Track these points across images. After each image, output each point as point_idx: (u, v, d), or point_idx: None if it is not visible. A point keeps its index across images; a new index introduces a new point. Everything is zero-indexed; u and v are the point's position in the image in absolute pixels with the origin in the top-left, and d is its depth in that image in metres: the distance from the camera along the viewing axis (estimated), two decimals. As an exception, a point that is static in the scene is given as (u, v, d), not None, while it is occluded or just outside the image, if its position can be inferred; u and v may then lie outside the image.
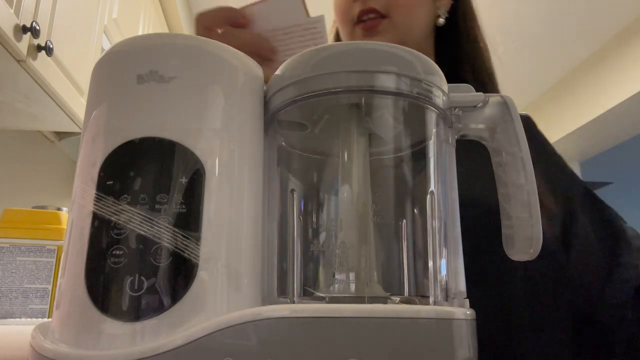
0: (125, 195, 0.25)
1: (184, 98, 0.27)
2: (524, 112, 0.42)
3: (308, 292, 0.31)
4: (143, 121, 0.27)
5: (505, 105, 0.32)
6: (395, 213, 0.33)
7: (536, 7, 2.61)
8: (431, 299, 0.29)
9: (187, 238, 0.25)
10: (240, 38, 0.43)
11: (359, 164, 0.31)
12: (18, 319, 0.79)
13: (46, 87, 1.11)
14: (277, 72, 0.31)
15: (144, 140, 0.26)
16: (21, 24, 0.96)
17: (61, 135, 1.62)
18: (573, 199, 0.53)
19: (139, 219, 0.25)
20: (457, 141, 0.33)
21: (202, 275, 0.25)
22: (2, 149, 1.43)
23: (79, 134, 1.19)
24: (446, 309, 0.27)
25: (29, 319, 0.80)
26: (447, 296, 0.29)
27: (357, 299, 0.29)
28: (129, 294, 0.24)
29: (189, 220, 0.25)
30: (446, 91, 0.31)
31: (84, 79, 1.29)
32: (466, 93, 0.32)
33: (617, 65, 2.88)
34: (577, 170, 3.72)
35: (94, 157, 0.27)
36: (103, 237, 0.25)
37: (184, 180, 0.26)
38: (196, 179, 0.26)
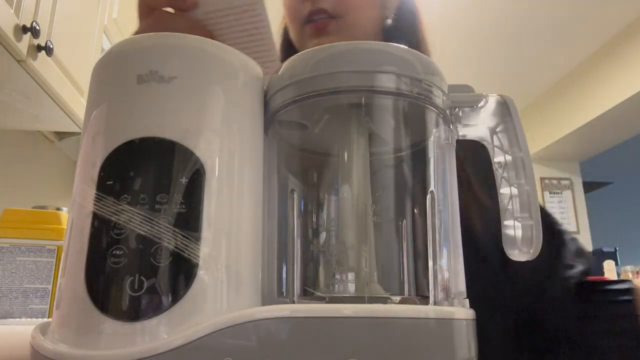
0: (125, 195, 0.25)
1: (184, 98, 0.27)
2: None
3: (308, 292, 0.31)
4: (143, 121, 0.27)
5: (505, 105, 0.32)
6: (395, 213, 0.33)
7: (536, 7, 2.61)
8: (431, 299, 0.29)
9: (187, 238, 0.25)
10: (176, 23, 0.41)
11: (359, 164, 0.31)
12: (18, 319, 0.79)
13: (46, 87, 1.11)
14: (277, 72, 0.31)
15: (144, 140, 0.26)
16: (21, 24, 0.96)
17: (61, 135, 1.62)
18: None
19: (139, 219, 0.25)
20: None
21: (202, 275, 0.25)
22: (2, 149, 1.43)
23: (79, 134, 1.19)
24: (446, 309, 0.27)
25: (29, 319, 0.80)
26: (447, 296, 0.29)
27: (357, 299, 0.29)
28: (129, 294, 0.24)
29: (189, 220, 0.25)
30: (446, 91, 0.31)
31: (84, 79, 1.29)
32: (466, 93, 0.32)
33: (617, 65, 2.88)
34: (577, 170, 3.72)
35: (94, 157, 0.27)
36: (103, 237, 0.25)
37: (184, 180, 0.26)
38: (196, 179, 0.26)
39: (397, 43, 0.30)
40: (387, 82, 0.29)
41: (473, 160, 0.43)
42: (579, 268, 0.50)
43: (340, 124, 0.32)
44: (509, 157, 0.32)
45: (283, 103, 0.30)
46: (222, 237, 0.26)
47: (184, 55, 0.28)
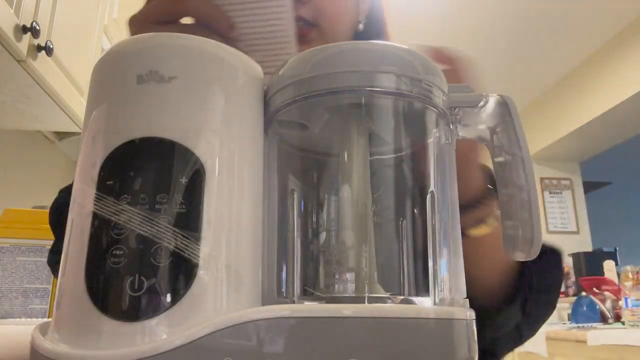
0: (125, 195, 0.25)
1: (184, 98, 0.27)
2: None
3: (308, 292, 0.31)
4: (143, 121, 0.27)
5: (505, 105, 0.32)
6: (395, 213, 0.33)
7: (536, 7, 2.61)
8: (431, 299, 0.29)
9: (187, 238, 0.25)
10: (198, 8, 0.40)
11: (359, 164, 0.31)
12: (18, 319, 0.79)
13: (46, 87, 1.11)
14: (278, 72, 0.31)
15: (144, 140, 0.26)
16: (21, 24, 0.96)
17: (61, 135, 1.62)
18: None
19: (139, 219, 0.25)
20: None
21: (202, 275, 0.25)
22: (2, 149, 1.43)
23: (79, 134, 1.19)
24: (446, 309, 0.27)
25: (29, 319, 0.80)
26: (447, 296, 0.29)
27: (357, 299, 0.29)
28: (129, 294, 0.24)
29: (189, 220, 0.25)
30: (446, 91, 0.31)
31: (84, 79, 1.30)
32: (466, 93, 0.32)
33: (617, 65, 2.88)
34: (577, 170, 3.73)
35: (94, 157, 0.27)
36: (103, 237, 0.25)
37: (184, 180, 0.26)
38: (196, 179, 0.26)
39: None
40: (387, 82, 0.29)
41: None
42: None
43: (340, 124, 0.32)
44: (509, 157, 0.32)
45: (283, 103, 0.30)
46: (222, 237, 0.26)
47: (184, 55, 0.28)
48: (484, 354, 0.49)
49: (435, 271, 0.29)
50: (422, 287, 0.31)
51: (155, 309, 0.24)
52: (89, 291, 0.24)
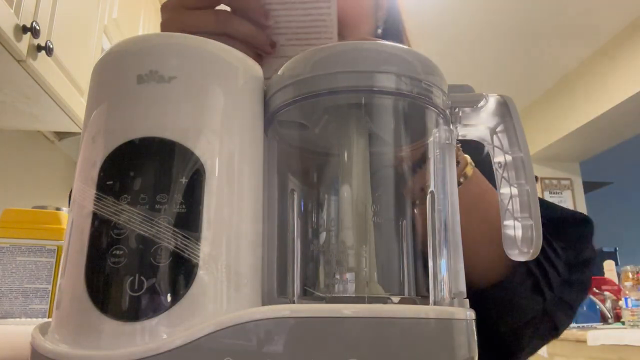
0: (125, 195, 0.25)
1: (184, 98, 0.27)
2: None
3: (308, 292, 0.31)
4: (143, 121, 0.27)
5: (505, 105, 0.32)
6: (395, 213, 0.33)
7: (536, 7, 2.61)
8: (431, 299, 0.29)
9: (187, 238, 0.25)
10: (239, 30, 0.39)
11: (359, 164, 0.31)
12: (18, 319, 0.79)
13: (46, 87, 1.11)
14: (277, 72, 0.31)
15: (144, 140, 0.26)
16: (21, 24, 0.96)
17: (61, 135, 1.62)
18: None
19: (139, 219, 0.25)
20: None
21: (202, 275, 0.25)
22: (2, 149, 1.43)
23: (79, 134, 1.19)
24: (446, 309, 0.27)
25: (29, 319, 0.80)
26: (447, 296, 0.29)
27: (357, 299, 0.29)
28: (129, 294, 0.24)
29: (189, 220, 0.25)
30: (446, 91, 0.31)
31: (84, 79, 1.30)
32: (466, 93, 0.32)
33: (617, 65, 2.88)
34: (577, 170, 3.73)
35: (94, 157, 0.27)
36: (103, 237, 0.25)
37: (184, 180, 0.26)
38: (196, 179, 0.26)
39: None
40: (386, 82, 0.29)
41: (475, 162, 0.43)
42: None
43: (340, 124, 0.32)
44: (509, 157, 0.32)
45: (283, 103, 0.30)
46: (222, 237, 0.26)
47: (184, 55, 0.28)
48: (503, 347, 0.45)
49: (435, 271, 0.29)
50: (422, 287, 0.31)
51: (155, 309, 0.24)
52: (89, 291, 0.24)
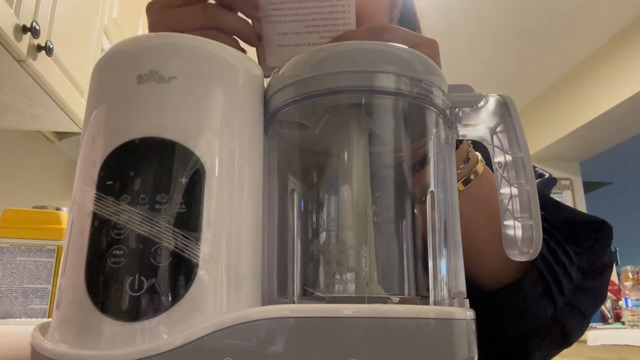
0: (125, 195, 0.25)
1: (184, 98, 0.27)
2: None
3: (308, 292, 0.31)
4: (143, 121, 0.27)
5: (505, 105, 0.32)
6: (395, 213, 0.33)
7: (536, 6, 2.61)
8: (431, 299, 0.29)
9: (187, 238, 0.25)
10: (227, 23, 0.38)
11: (359, 164, 0.31)
12: (18, 319, 0.79)
13: (46, 87, 1.11)
14: (277, 72, 0.31)
15: (144, 140, 0.26)
16: (21, 24, 0.96)
17: (61, 135, 1.62)
18: None
19: (139, 219, 0.25)
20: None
21: (202, 275, 0.25)
22: (2, 149, 1.43)
23: (79, 134, 1.19)
24: (446, 309, 0.27)
25: (29, 319, 0.80)
26: (447, 296, 0.29)
27: (357, 299, 0.29)
28: (128, 294, 0.24)
29: (189, 220, 0.25)
30: (446, 91, 0.31)
31: (84, 79, 1.29)
32: (466, 93, 0.32)
33: (617, 65, 2.88)
34: (577, 170, 3.73)
35: (94, 157, 0.27)
36: (103, 237, 0.25)
37: (184, 180, 0.26)
38: (196, 179, 0.26)
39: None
40: (387, 82, 0.29)
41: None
42: None
43: (340, 124, 0.32)
44: (509, 157, 0.32)
45: (283, 103, 0.30)
46: (222, 237, 0.26)
47: (184, 55, 0.28)
48: (513, 353, 0.43)
49: (435, 271, 0.29)
50: (422, 287, 0.31)
51: (155, 309, 0.24)
52: (89, 291, 0.24)
